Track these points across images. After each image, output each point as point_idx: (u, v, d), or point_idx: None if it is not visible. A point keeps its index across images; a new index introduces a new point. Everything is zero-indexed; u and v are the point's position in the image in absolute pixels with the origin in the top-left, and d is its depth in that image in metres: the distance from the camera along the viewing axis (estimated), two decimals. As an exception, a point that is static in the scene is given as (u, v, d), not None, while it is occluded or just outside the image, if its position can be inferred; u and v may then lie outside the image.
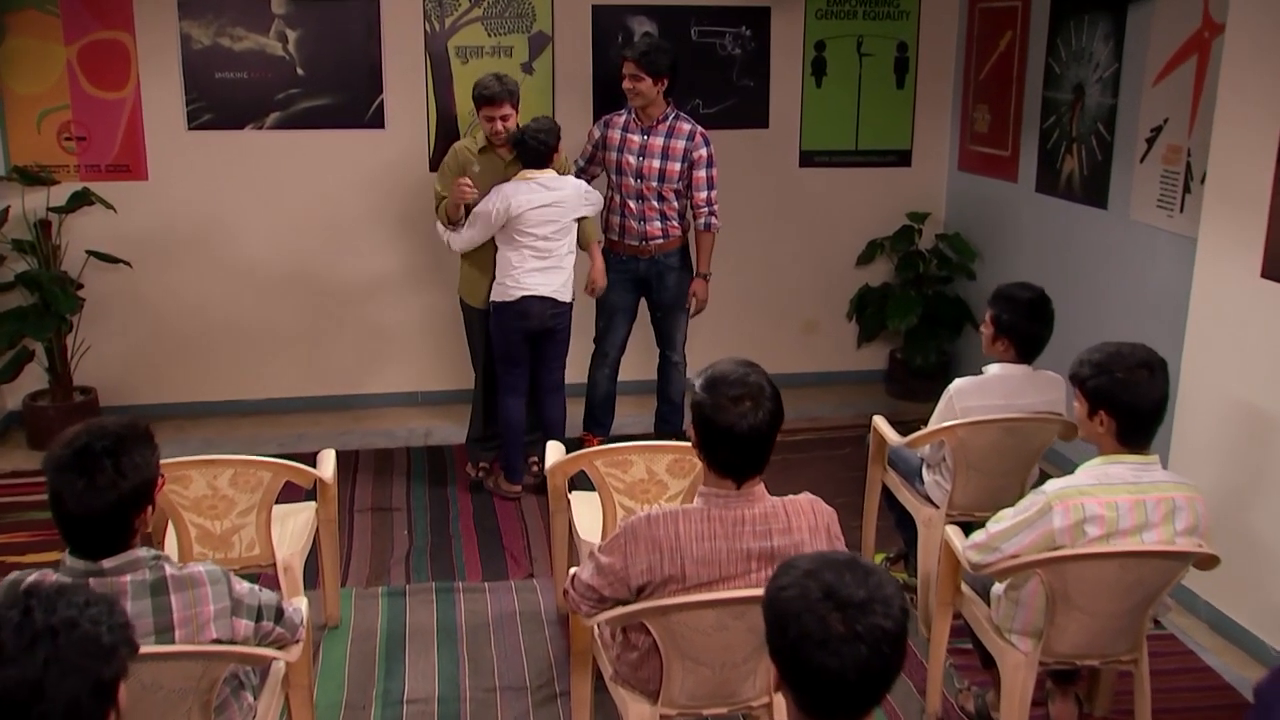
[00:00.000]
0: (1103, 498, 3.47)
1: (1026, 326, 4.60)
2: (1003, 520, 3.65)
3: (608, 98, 7.22)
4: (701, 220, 6.28)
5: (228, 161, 7.06)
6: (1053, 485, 3.55)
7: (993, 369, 4.68)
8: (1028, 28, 6.87)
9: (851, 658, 2.01)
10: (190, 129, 6.98)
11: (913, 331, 7.66)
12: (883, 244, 7.88)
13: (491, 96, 5.78)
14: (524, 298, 5.84)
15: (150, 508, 2.80)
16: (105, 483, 2.67)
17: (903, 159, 7.92)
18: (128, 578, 2.74)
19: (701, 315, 6.60)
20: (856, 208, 7.91)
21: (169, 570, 2.80)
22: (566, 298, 5.96)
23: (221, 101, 6.97)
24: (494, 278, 5.96)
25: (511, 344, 5.96)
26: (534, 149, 5.80)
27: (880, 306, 7.80)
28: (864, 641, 2.01)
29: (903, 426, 5.10)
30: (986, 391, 4.63)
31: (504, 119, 5.82)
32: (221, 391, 7.41)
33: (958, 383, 4.68)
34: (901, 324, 7.59)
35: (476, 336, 6.22)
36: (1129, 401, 3.51)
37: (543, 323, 5.92)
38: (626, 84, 6.11)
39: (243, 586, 2.94)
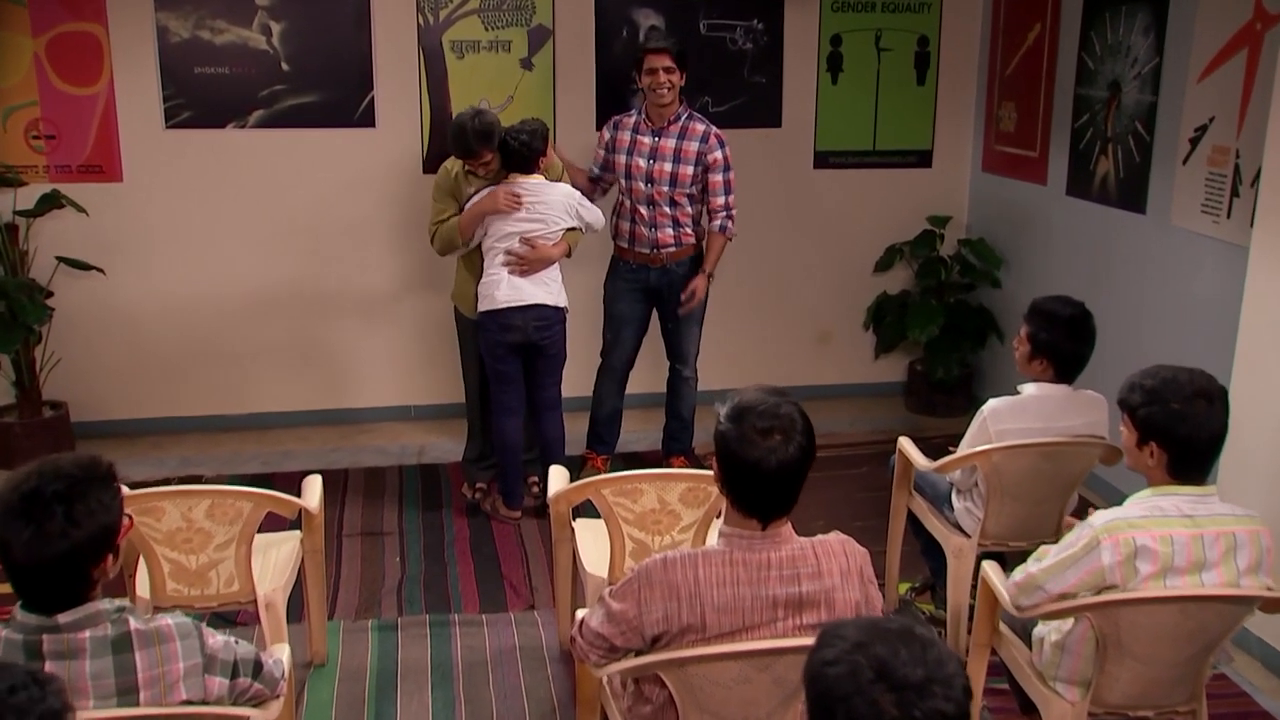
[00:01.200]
0: (1155, 531, 3.30)
1: (1067, 346, 4.46)
2: (1045, 557, 3.49)
3: (612, 96, 7.20)
4: (717, 223, 6.20)
5: (208, 162, 6.95)
6: (1100, 518, 3.39)
7: (1029, 389, 4.55)
8: (1058, 20, 6.77)
9: None
10: (168, 127, 6.86)
11: (933, 343, 7.56)
12: (902, 250, 7.80)
13: (465, 152, 5.75)
14: (505, 308, 5.74)
15: (111, 556, 2.61)
16: (55, 531, 2.48)
17: (923, 160, 7.84)
18: (86, 634, 2.55)
19: (709, 325, 6.54)
20: (874, 211, 7.83)
21: (134, 624, 2.61)
22: (554, 302, 5.82)
23: (201, 98, 6.86)
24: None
25: (499, 359, 5.84)
26: (516, 151, 5.73)
27: (899, 316, 7.72)
28: None
29: (924, 443, 5.03)
30: (1023, 413, 4.49)
31: (486, 165, 5.77)
32: (201, 406, 7.32)
33: (992, 404, 4.53)
34: (921, 335, 7.49)
35: (470, 348, 6.14)
36: (1184, 435, 3.34)
37: (527, 335, 5.78)
38: (660, 79, 6.03)
39: (216, 640, 2.75)
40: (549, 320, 5.80)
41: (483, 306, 5.78)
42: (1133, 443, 3.45)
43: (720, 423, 2.92)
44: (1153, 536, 3.29)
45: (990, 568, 3.90)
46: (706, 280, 6.26)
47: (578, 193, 5.92)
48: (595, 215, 5.97)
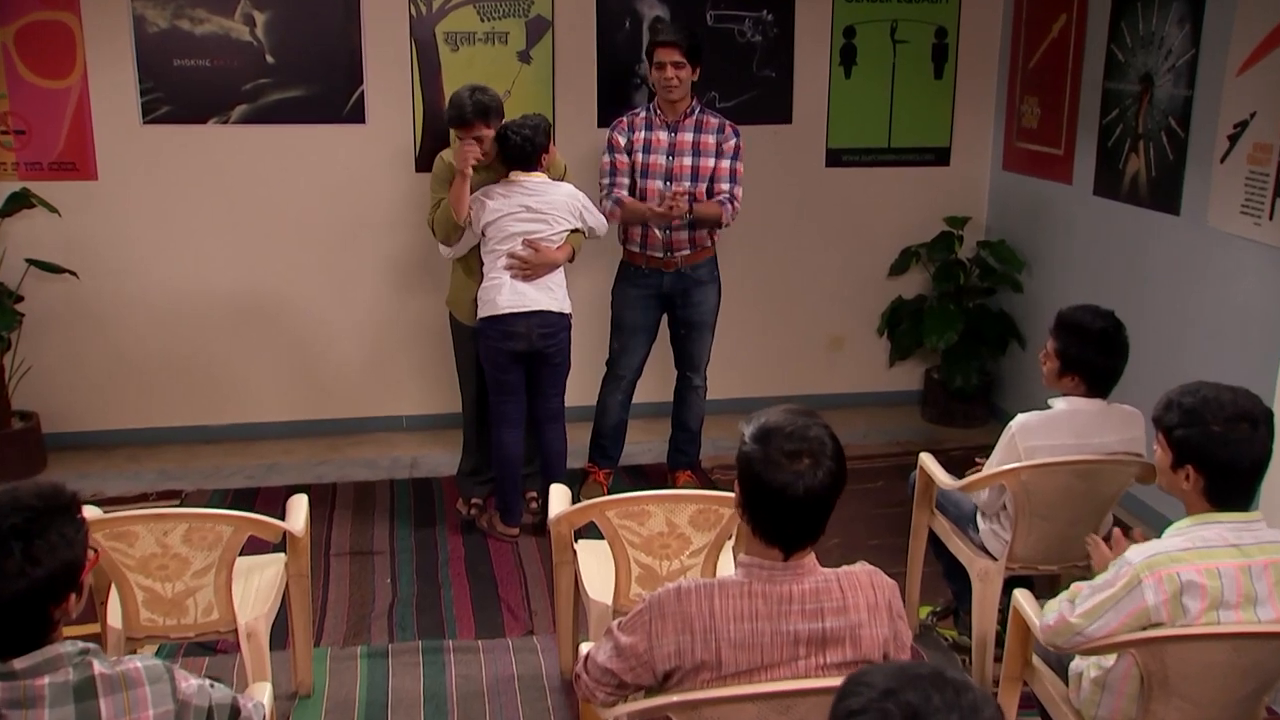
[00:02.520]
0: (1200, 564, 3.17)
1: (1099, 361, 4.38)
2: (1080, 597, 3.36)
3: (614, 91, 7.19)
4: (718, 199, 6.11)
5: (187, 160, 6.91)
6: (1137, 553, 3.25)
7: (1060, 404, 4.46)
8: (1085, 9, 6.73)
9: None
10: (145, 123, 6.83)
11: (952, 350, 7.53)
12: (918, 252, 7.77)
13: (461, 120, 5.63)
14: (508, 314, 5.65)
15: (74, 595, 2.47)
16: (13, 570, 2.35)
17: (941, 158, 7.81)
18: (45, 680, 2.41)
19: (717, 332, 6.49)
20: (889, 212, 7.80)
21: (98, 668, 2.47)
22: (558, 308, 5.74)
23: (180, 92, 6.82)
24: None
25: (501, 368, 5.77)
26: (517, 146, 5.65)
27: (915, 321, 7.69)
28: None
29: (943, 456, 4.99)
30: (1054, 429, 4.40)
31: (480, 140, 5.64)
32: (180, 416, 7.28)
33: (1021, 420, 4.45)
34: (939, 341, 7.44)
35: (466, 356, 6.09)
36: (1224, 459, 3.24)
37: (531, 343, 5.70)
38: (668, 74, 5.99)
39: (190, 685, 2.61)
40: (554, 327, 5.72)
41: (483, 312, 5.70)
42: (1167, 464, 3.35)
43: (744, 444, 2.81)
44: (1198, 570, 3.17)
45: (1022, 596, 3.82)
46: (689, 202, 6.00)
47: (582, 194, 5.84)
48: (599, 220, 5.90)
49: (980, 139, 7.79)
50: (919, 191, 7.77)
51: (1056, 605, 3.43)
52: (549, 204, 5.66)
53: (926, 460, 4.93)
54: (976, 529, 4.70)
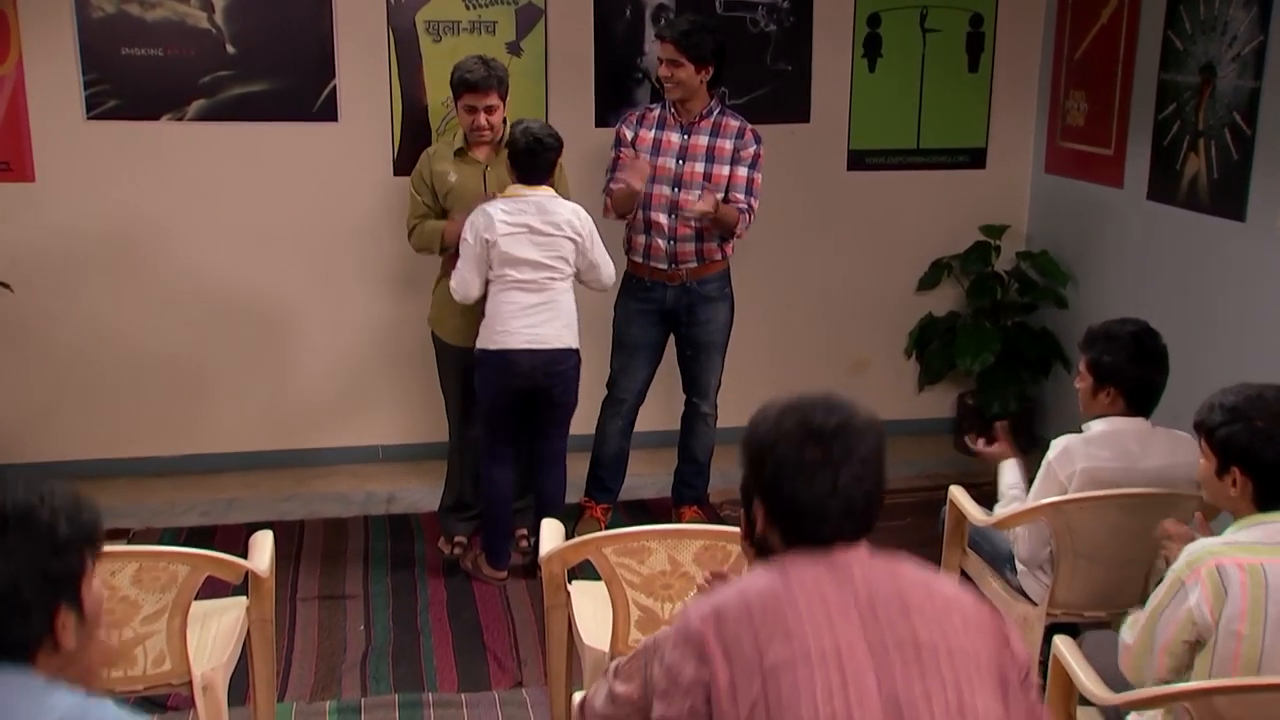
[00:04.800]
0: (1242, 558, 3.30)
1: (1134, 369, 4.43)
2: (1136, 616, 3.49)
3: (614, 87, 7.23)
4: (736, 207, 6.12)
5: (138, 160, 6.91)
6: (1182, 557, 3.40)
7: (1099, 425, 4.50)
8: None
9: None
10: (90, 118, 6.82)
11: (988, 373, 7.55)
12: (950, 264, 7.79)
13: (475, 82, 5.69)
14: (509, 350, 5.62)
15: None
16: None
17: (976, 160, 7.83)
18: None
19: (728, 353, 6.51)
20: (918, 220, 7.83)
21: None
22: (566, 344, 5.70)
23: (130, 85, 6.81)
24: (480, 315, 5.80)
25: (499, 405, 5.76)
26: (531, 153, 5.54)
27: (947, 341, 7.72)
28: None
29: (978, 491, 4.97)
30: (1096, 450, 4.45)
31: (489, 111, 5.74)
32: (130, 446, 7.27)
33: (1058, 445, 4.49)
34: (974, 363, 7.47)
35: (451, 379, 6.12)
36: (1271, 458, 3.39)
37: (534, 380, 5.68)
38: (663, 70, 6.06)
39: None
40: (562, 364, 5.71)
41: (487, 344, 5.66)
42: (1212, 471, 3.49)
43: (759, 428, 2.68)
44: (1238, 564, 3.28)
45: (1064, 645, 3.80)
46: (715, 203, 5.97)
47: (591, 221, 5.73)
48: (607, 265, 5.78)
49: (1020, 139, 7.81)
50: (951, 197, 7.78)
51: (1122, 638, 3.50)
52: (555, 226, 5.58)
53: (958, 494, 4.93)
54: (1014, 570, 4.71)
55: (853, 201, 7.71)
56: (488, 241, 5.50)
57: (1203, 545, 3.38)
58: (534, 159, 5.54)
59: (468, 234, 5.55)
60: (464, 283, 5.61)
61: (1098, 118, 7.11)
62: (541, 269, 5.58)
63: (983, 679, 2.46)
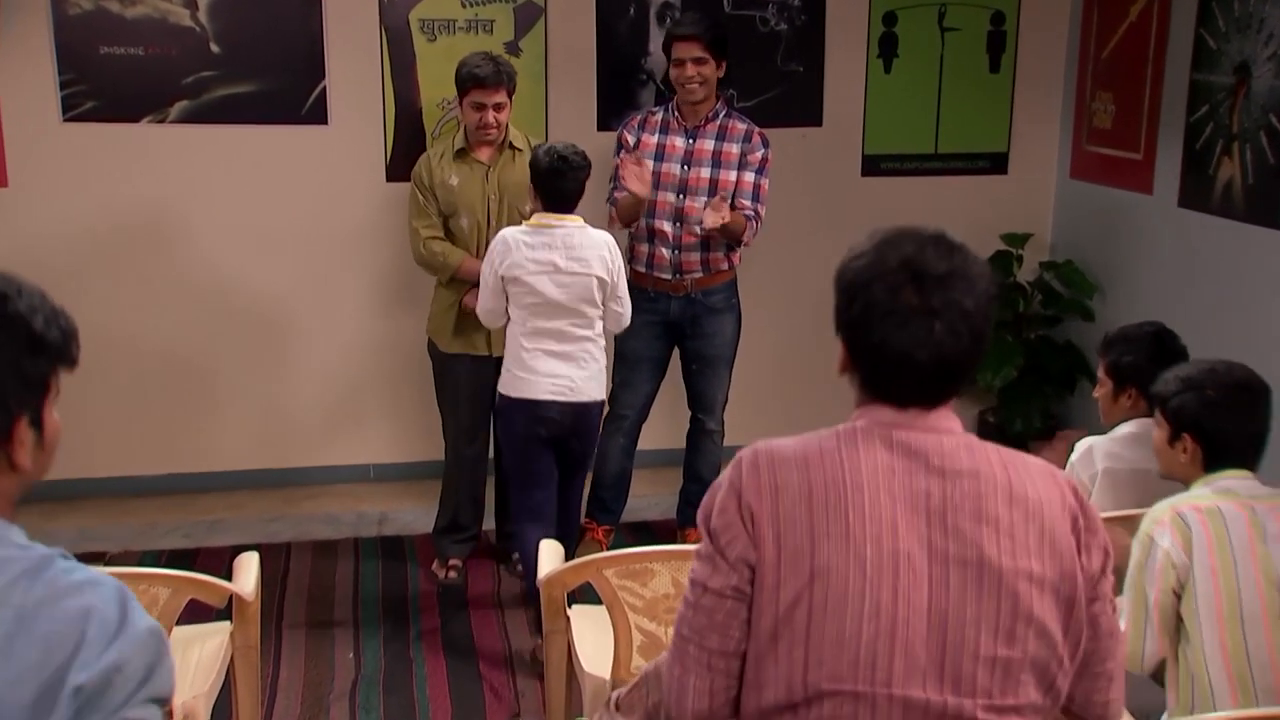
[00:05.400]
0: (1201, 503, 3.61)
1: (1155, 368, 4.40)
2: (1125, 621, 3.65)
3: (617, 88, 7.24)
4: (743, 213, 6.12)
5: (117, 165, 6.91)
6: (1142, 525, 3.67)
7: (1123, 427, 4.56)
8: None
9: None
10: (66, 120, 6.82)
11: (1010, 388, 7.55)
12: None
13: (484, 78, 5.73)
14: (534, 400, 5.42)
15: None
16: None
17: (997, 165, 7.85)
18: None
19: (737, 367, 6.53)
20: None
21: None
22: (594, 397, 5.55)
23: (108, 86, 6.81)
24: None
25: (530, 455, 5.56)
26: (557, 174, 5.30)
27: (968, 355, 7.55)
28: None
29: None
30: (1123, 450, 4.51)
31: (496, 109, 5.78)
32: (106, 465, 7.26)
33: (1080, 447, 4.56)
34: (995, 378, 7.46)
35: (449, 393, 6.17)
36: (1220, 427, 3.71)
37: (562, 430, 5.52)
38: (688, 71, 6.08)
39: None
40: (590, 418, 5.59)
41: (509, 389, 5.49)
42: (1164, 440, 3.83)
43: (858, 258, 2.59)
44: (1194, 508, 3.59)
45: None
46: (724, 212, 5.94)
47: (620, 255, 5.53)
48: (628, 310, 5.60)
49: (1044, 142, 7.82)
50: (971, 205, 7.77)
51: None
52: (582, 263, 5.33)
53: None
54: None
55: (867, 209, 7.64)
56: (503, 278, 5.31)
57: (1159, 504, 3.64)
58: (561, 181, 5.28)
59: (486, 265, 5.38)
60: (489, 313, 5.47)
61: (1126, 120, 7.11)
62: (566, 314, 5.37)
63: (1044, 602, 2.42)
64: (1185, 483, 3.77)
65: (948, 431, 2.49)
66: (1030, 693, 2.41)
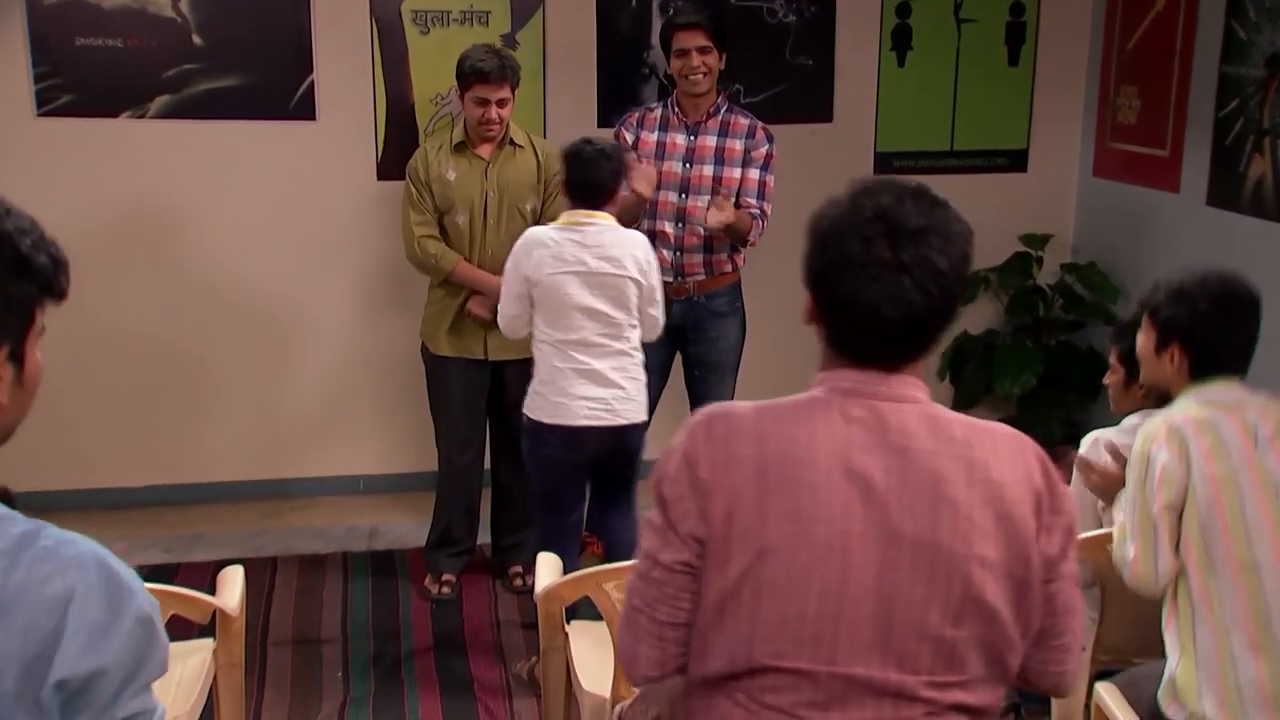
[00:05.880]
0: (1191, 415, 3.72)
1: None
2: (1122, 529, 3.83)
3: (618, 83, 7.26)
4: (747, 212, 6.12)
5: (94, 162, 6.92)
6: (1136, 442, 3.80)
7: (1133, 419, 4.51)
8: None
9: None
10: (40, 115, 6.83)
11: (1030, 396, 7.54)
12: (988, 277, 7.80)
13: (488, 73, 5.73)
14: (570, 426, 5.23)
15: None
16: None
17: (1016, 163, 7.87)
18: None
19: (742, 373, 6.54)
20: None
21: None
22: (638, 419, 5.35)
23: (86, 79, 6.82)
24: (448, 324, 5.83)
25: (558, 478, 5.43)
26: (591, 165, 5.13)
27: (984, 362, 7.70)
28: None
29: None
30: (1130, 438, 4.41)
31: (500, 105, 5.79)
32: (85, 477, 7.27)
33: (1088, 439, 4.52)
34: (1014, 386, 7.45)
35: (443, 398, 6.17)
36: (1209, 337, 3.80)
37: (598, 457, 5.40)
38: (693, 62, 6.07)
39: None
40: (633, 441, 5.42)
41: (539, 413, 5.29)
42: (1150, 349, 3.92)
43: (832, 208, 2.62)
44: (1188, 419, 3.71)
45: (1108, 693, 3.84)
46: (728, 211, 5.94)
47: (645, 240, 5.36)
48: (661, 317, 5.40)
49: (1065, 139, 7.83)
50: (989, 204, 7.61)
51: (1120, 560, 3.84)
52: (615, 263, 5.15)
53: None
54: None
55: None
56: (528, 279, 5.15)
57: (1151, 421, 3.79)
58: (593, 172, 5.10)
59: (509, 266, 5.25)
60: (512, 320, 5.31)
61: (1152, 115, 7.10)
62: (600, 320, 5.18)
63: (996, 586, 2.47)
64: (1169, 391, 3.91)
65: (911, 400, 2.53)
66: (976, 669, 2.48)
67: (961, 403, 7.78)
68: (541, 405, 5.26)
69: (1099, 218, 7.69)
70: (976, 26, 7.59)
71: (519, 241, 5.24)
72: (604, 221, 5.17)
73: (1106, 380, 4.70)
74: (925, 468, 2.47)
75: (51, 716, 1.98)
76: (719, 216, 5.83)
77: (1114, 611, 4.36)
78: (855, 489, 2.45)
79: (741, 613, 2.47)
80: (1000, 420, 7.24)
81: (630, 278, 5.13)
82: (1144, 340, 3.94)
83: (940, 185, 7.21)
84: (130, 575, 2.14)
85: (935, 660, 2.46)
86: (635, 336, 5.28)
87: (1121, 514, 3.86)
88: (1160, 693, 3.71)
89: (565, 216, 5.21)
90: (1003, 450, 2.52)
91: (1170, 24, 6.92)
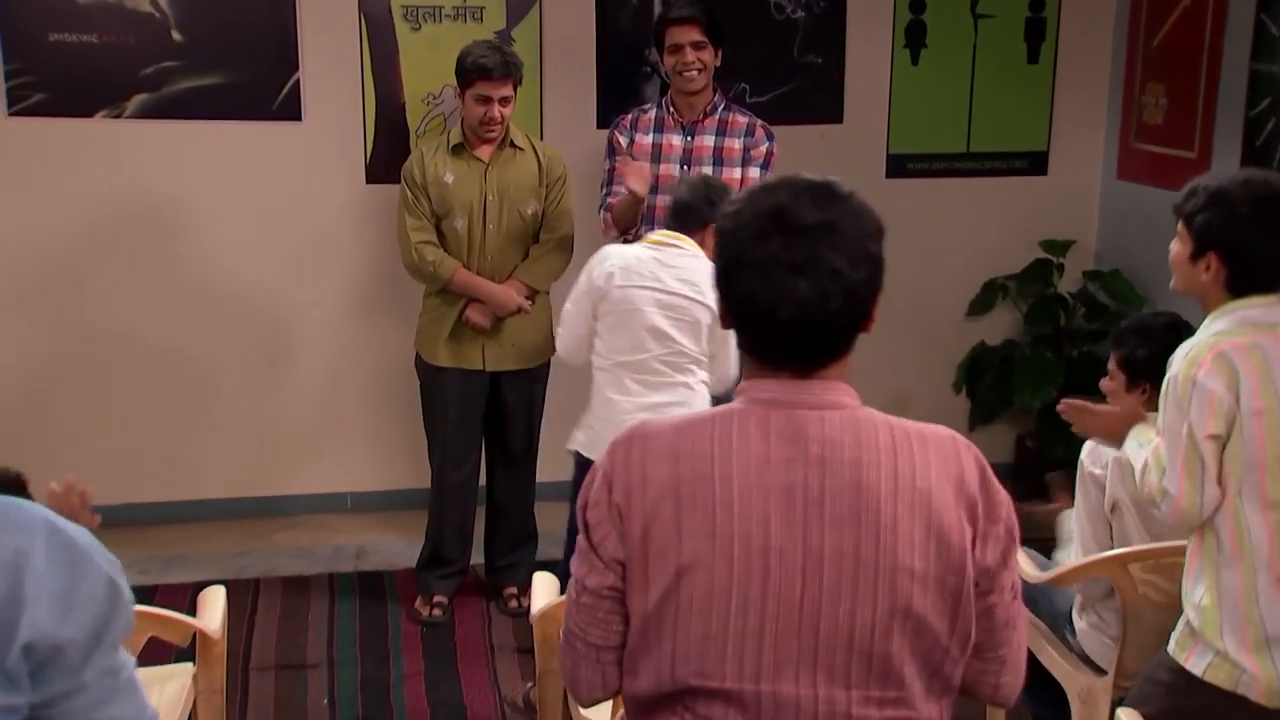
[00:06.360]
0: (1236, 340, 3.66)
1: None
2: (1161, 464, 3.79)
3: (619, 82, 7.26)
4: None
5: (68, 163, 6.91)
6: (1175, 366, 3.73)
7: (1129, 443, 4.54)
8: None
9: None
10: (11, 114, 6.82)
11: (1050, 409, 7.29)
12: (1006, 285, 7.82)
13: (491, 69, 5.75)
14: None
15: None
16: None
17: (1036, 165, 7.87)
18: None
19: None
20: (968, 234, 7.86)
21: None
22: None
23: (59, 77, 6.81)
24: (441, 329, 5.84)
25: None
26: (693, 188, 5.18)
27: (1003, 374, 7.71)
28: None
29: (1038, 544, 4.96)
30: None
31: (503, 103, 5.82)
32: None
33: (1088, 445, 4.63)
34: (1033, 399, 7.45)
35: (436, 410, 6.19)
36: (1249, 243, 3.70)
37: None
38: (687, 57, 6.07)
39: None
40: None
41: (591, 450, 5.19)
42: (1185, 255, 3.81)
43: (732, 205, 2.65)
44: (1234, 345, 3.65)
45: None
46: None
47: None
48: (733, 365, 5.16)
49: (1088, 140, 7.83)
50: (1008, 209, 7.79)
51: (1155, 491, 3.81)
52: (692, 287, 5.04)
53: (1010, 547, 4.90)
54: (1073, 630, 4.70)
55: (892, 214, 7.43)
56: (598, 291, 5.13)
57: (1192, 342, 3.75)
58: (694, 196, 5.13)
59: (581, 283, 5.22)
60: (575, 340, 5.30)
61: (1179, 115, 7.09)
62: (667, 345, 5.09)
63: (926, 597, 2.48)
64: (1201, 300, 3.84)
65: (834, 406, 2.54)
66: (914, 683, 2.50)
67: (978, 417, 7.86)
68: (594, 442, 5.18)
69: (1123, 222, 7.68)
70: (994, 22, 7.58)
71: (594, 256, 5.24)
72: (688, 246, 5.11)
73: (1104, 386, 4.71)
74: (847, 479, 2.49)
75: (21, 683, 2.04)
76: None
77: (1136, 632, 4.35)
78: (774, 503, 2.48)
79: (665, 632, 2.51)
80: (1019, 436, 7.30)
81: (707, 304, 4.96)
82: (1178, 248, 3.84)
83: (956, 189, 7.30)
84: (85, 536, 2.19)
85: (869, 674, 2.48)
86: (701, 375, 5.16)
87: (1136, 446, 3.89)
88: (1175, 644, 3.76)
89: (655, 235, 5.21)
90: (934, 456, 2.52)
91: (1198, 19, 6.90)
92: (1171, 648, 3.77)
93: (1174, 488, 3.70)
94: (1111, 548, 4.49)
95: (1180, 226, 3.82)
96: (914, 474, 2.49)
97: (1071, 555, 4.71)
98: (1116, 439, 4.14)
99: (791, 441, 2.50)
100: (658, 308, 5.04)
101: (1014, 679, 2.72)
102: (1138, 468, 3.89)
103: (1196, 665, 3.68)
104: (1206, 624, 3.66)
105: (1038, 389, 7.36)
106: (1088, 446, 4.60)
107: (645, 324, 5.06)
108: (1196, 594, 3.72)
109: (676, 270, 5.05)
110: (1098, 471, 4.51)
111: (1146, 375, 4.51)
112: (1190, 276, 3.80)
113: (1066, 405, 4.40)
